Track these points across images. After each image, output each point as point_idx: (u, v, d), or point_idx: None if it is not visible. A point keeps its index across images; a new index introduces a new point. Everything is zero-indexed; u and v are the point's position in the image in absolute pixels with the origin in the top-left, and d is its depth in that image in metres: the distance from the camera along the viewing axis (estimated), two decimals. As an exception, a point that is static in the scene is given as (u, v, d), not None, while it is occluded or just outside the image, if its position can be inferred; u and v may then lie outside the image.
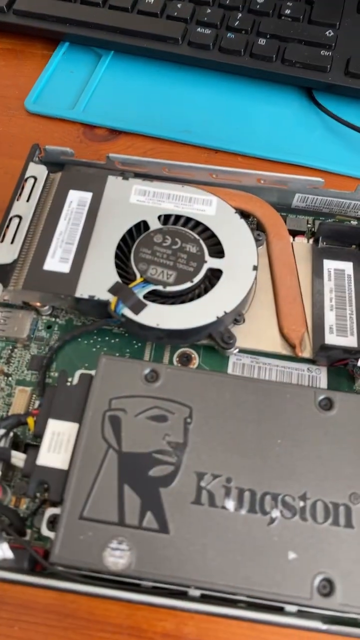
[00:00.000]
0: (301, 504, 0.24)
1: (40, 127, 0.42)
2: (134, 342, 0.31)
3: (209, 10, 0.43)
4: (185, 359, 0.31)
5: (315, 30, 0.42)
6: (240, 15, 0.43)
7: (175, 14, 0.43)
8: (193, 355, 0.31)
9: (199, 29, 0.42)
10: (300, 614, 0.23)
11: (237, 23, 0.42)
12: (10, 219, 0.31)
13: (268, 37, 0.42)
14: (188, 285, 0.29)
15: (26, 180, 0.33)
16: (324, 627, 0.22)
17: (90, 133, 0.42)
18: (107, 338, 0.31)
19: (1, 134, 0.42)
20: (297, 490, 0.24)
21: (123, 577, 0.23)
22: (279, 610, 0.23)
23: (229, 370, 0.30)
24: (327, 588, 0.22)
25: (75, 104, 0.43)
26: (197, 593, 0.23)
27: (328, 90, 0.42)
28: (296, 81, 0.42)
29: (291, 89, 0.44)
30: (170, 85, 0.44)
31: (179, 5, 0.43)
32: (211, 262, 0.30)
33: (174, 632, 0.25)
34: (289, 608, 0.23)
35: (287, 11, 0.43)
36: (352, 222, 0.35)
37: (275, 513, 0.24)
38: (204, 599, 0.23)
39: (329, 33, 0.42)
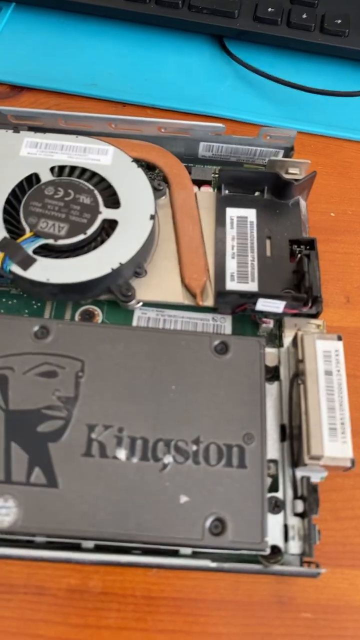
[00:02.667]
0: (194, 447, 0.24)
1: None
2: (34, 302, 0.30)
3: None
4: (88, 316, 0.30)
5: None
6: None
7: None
8: (96, 312, 0.30)
9: (100, -25, 0.40)
10: (195, 556, 0.23)
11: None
12: None
13: (172, -18, 0.40)
14: (81, 237, 0.28)
15: None
16: (213, 564, 0.22)
17: (-10, 90, 0.40)
18: (3, 300, 0.30)
19: None
20: (191, 434, 0.24)
21: (11, 534, 0.22)
22: (175, 554, 0.23)
23: (134, 325, 0.29)
24: (219, 528, 0.22)
25: (-28, 59, 0.40)
26: (90, 544, 0.23)
27: (238, 38, 0.41)
28: (204, 29, 0.41)
29: (202, 38, 0.42)
30: (75, 38, 0.42)
31: None
32: (106, 213, 0.29)
33: (80, 586, 0.25)
34: (183, 550, 0.23)
35: None
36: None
37: (168, 459, 0.23)
38: (100, 550, 0.23)
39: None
